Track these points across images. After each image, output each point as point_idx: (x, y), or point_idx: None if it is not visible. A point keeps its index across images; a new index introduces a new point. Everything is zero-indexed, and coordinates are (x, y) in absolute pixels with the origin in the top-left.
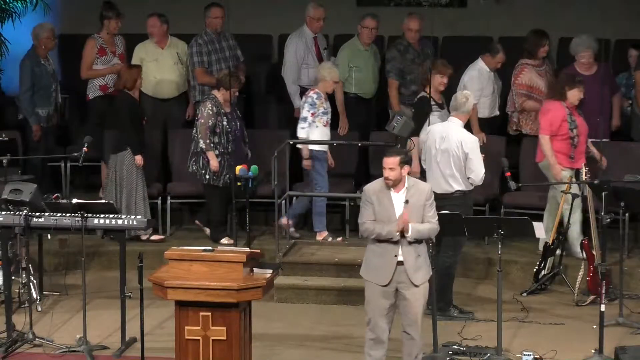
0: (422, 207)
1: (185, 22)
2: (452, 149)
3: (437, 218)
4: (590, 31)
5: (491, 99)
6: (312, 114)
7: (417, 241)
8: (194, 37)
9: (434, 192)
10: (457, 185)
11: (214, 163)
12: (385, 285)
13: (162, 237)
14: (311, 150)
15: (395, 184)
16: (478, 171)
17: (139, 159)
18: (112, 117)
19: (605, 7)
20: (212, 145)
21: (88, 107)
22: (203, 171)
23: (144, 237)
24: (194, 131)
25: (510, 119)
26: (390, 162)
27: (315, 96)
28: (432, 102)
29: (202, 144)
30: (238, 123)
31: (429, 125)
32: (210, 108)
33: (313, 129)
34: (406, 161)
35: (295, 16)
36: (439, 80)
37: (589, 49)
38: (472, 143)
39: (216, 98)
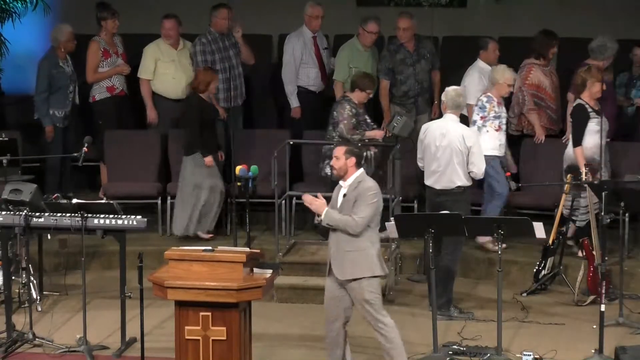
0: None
1: (187, 22)
2: (454, 144)
3: (362, 216)
4: (590, 31)
5: None
6: (482, 118)
7: (354, 236)
8: (196, 36)
9: (435, 189)
10: (459, 181)
11: (374, 133)
12: (329, 276)
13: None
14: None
15: (340, 173)
16: (480, 165)
17: (208, 160)
18: (183, 119)
19: (605, 7)
20: (358, 132)
21: (93, 108)
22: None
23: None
24: (327, 134)
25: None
26: (336, 151)
27: (485, 99)
28: (589, 109)
29: (357, 138)
30: (374, 125)
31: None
32: (349, 109)
33: (483, 134)
34: (352, 153)
35: (295, 16)
36: (598, 88)
37: (613, 54)
38: (473, 137)
39: (351, 100)
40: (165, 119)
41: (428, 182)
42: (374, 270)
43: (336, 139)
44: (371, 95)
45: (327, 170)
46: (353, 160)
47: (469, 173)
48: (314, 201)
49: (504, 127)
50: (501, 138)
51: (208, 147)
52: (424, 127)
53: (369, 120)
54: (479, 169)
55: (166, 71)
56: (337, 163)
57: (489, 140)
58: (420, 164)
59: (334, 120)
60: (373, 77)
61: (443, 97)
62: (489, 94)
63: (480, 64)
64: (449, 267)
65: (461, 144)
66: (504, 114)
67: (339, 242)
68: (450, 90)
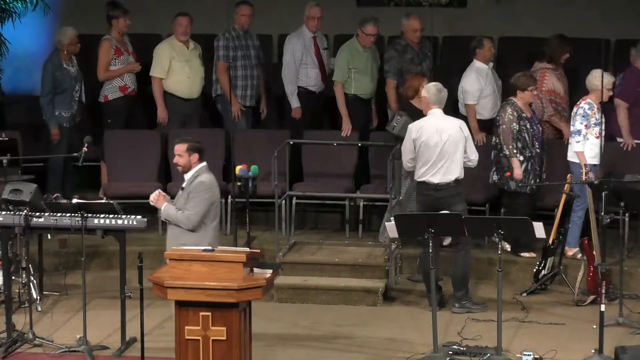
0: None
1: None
2: (455, 136)
3: (193, 212)
4: (590, 31)
5: (491, 100)
6: (585, 126)
7: (188, 231)
8: (202, 36)
9: (433, 183)
10: (458, 173)
11: (517, 171)
12: None
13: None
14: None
15: (185, 170)
16: (475, 152)
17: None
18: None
19: (605, 7)
20: (515, 151)
21: (104, 108)
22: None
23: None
24: (493, 139)
25: None
26: (177, 149)
27: (587, 107)
28: None
29: (505, 151)
30: (540, 127)
31: None
32: (511, 113)
33: (585, 142)
34: (195, 149)
35: (295, 16)
36: None
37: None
38: (466, 126)
39: (515, 103)
40: (175, 118)
41: (424, 177)
42: None
43: (499, 145)
44: (535, 92)
45: (495, 177)
46: (196, 156)
47: (466, 163)
48: (152, 197)
49: (602, 133)
50: (599, 145)
51: None
52: (416, 126)
53: (536, 120)
54: (476, 156)
55: (181, 70)
56: (180, 160)
57: (590, 149)
58: (410, 164)
59: (497, 123)
60: (530, 74)
61: (425, 93)
62: (588, 100)
63: (477, 64)
64: (464, 261)
65: (459, 134)
66: (602, 120)
67: (175, 236)
68: (431, 86)
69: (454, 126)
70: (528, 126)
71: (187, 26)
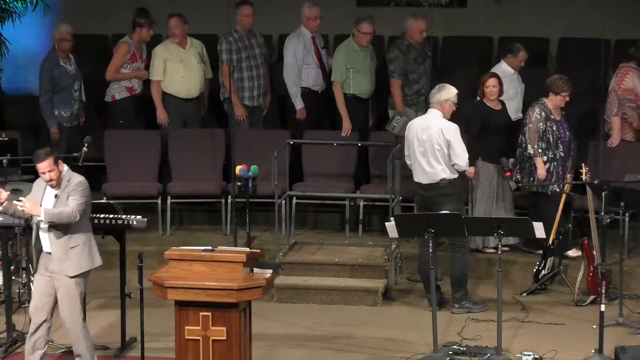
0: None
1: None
2: (434, 138)
3: (79, 209)
4: (590, 31)
5: (514, 102)
6: None
7: (73, 231)
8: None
9: (423, 184)
10: (443, 174)
11: (541, 171)
12: (42, 275)
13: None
14: None
15: (59, 182)
16: (462, 157)
17: (469, 171)
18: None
19: (605, 7)
20: (540, 151)
21: (112, 108)
22: (531, 178)
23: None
24: (520, 138)
25: (607, 122)
26: (45, 166)
27: None
28: None
29: (530, 149)
30: (567, 132)
31: None
32: (539, 113)
33: None
34: (57, 158)
35: (295, 16)
36: None
37: None
38: (453, 130)
39: (545, 104)
40: (176, 119)
41: (415, 177)
42: (95, 262)
43: (524, 143)
44: (567, 99)
45: (518, 176)
46: (61, 163)
47: (452, 166)
48: (25, 203)
49: None
50: None
51: (487, 154)
52: (409, 123)
53: (565, 125)
54: (461, 160)
55: (175, 71)
56: (54, 174)
57: None
58: (407, 161)
59: (524, 122)
60: (567, 79)
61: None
62: None
63: (503, 66)
64: (462, 261)
65: (440, 137)
66: None
67: (56, 241)
68: (435, 86)
69: (436, 128)
70: (554, 128)
71: (175, 27)
